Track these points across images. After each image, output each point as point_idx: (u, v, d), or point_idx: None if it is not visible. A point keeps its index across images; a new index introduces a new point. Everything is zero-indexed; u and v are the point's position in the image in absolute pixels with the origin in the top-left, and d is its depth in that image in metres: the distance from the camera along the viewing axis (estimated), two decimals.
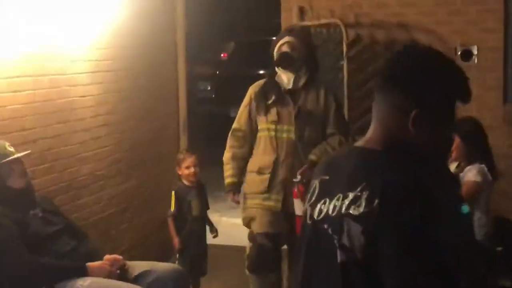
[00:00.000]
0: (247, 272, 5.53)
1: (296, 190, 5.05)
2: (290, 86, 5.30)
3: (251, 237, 5.47)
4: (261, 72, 11.57)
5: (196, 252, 6.01)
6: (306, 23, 7.08)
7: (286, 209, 5.27)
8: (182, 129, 7.61)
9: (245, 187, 5.50)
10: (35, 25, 5.26)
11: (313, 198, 2.23)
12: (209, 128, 11.68)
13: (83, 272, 4.51)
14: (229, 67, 14.71)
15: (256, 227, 5.40)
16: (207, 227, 6.16)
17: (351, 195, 2.07)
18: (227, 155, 5.53)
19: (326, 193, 2.18)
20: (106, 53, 6.19)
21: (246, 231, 5.58)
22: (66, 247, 4.67)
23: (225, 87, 13.84)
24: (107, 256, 4.76)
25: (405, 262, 1.96)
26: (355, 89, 7.01)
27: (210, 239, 6.19)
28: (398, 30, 7.07)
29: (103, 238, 6.04)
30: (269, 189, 5.31)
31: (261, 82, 5.50)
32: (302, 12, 7.20)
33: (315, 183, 2.26)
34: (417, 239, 1.95)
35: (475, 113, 5.94)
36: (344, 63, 6.73)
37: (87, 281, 4.46)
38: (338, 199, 2.11)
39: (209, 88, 14.97)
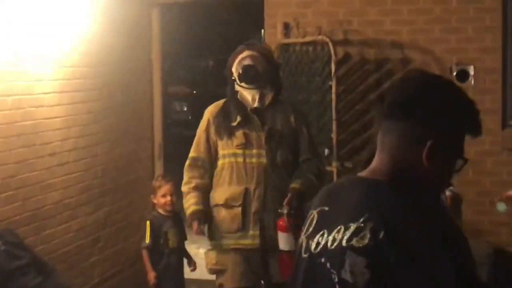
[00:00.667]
0: None
1: (281, 222, 4.77)
2: (256, 105, 5.03)
3: None
4: None
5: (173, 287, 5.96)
6: (291, 40, 7.08)
7: (263, 244, 4.96)
8: (157, 154, 7.56)
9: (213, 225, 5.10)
10: None
11: (311, 229, 2.22)
12: (184, 153, 11.57)
13: None
14: (207, 86, 14.63)
15: (228, 281, 5.03)
16: (185, 260, 6.13)
17: (353, 226, 2.07)
18: (188, 186, 5.14)
19: (325, 224, 2.17)
20: (75, 72, 6.13)
21: None
22: (31, 283, 4.63)
23: (203, 107, 13.71)
24: None
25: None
26: (344, 111, 7.00)
27: (187, 273, 6.18)
28: (390, 49, 7.06)
29: (71, 272, 5.98)
30: (243, 225, 4.97)
31: (219, 102, 5.24)
32: (286, 29, 7.20)
33: (314, 214, 2.25)
34: (434, 266, 1.97)
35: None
36: (333, 84, 6.70)
37: None
38: (338, 231, 2.10)
39: (185, 108, 14.90)
